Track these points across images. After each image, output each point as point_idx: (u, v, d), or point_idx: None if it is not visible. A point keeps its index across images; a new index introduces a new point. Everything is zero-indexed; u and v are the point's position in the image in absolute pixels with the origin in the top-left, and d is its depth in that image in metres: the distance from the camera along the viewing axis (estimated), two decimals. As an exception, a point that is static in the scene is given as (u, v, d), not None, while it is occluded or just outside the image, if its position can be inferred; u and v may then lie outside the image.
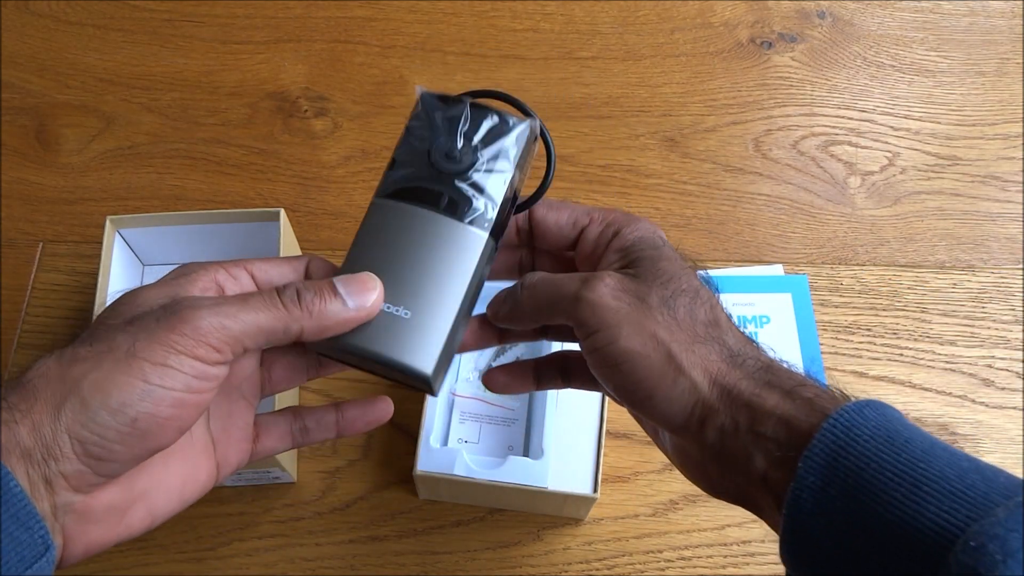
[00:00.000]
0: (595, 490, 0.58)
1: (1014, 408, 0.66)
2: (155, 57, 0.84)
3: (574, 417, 0.61)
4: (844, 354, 0.69)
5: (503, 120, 0.41)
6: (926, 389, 0.67)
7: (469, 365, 0.64)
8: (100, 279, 0.61)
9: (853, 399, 0.35)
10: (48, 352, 0.34)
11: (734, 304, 0.70)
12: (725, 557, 0.61)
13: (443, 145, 0.41)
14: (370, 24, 0.86)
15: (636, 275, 0.39)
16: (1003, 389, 0.67)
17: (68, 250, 0.72)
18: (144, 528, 0.37)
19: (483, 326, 0.44)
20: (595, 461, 0.59)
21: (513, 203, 0.42)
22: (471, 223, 0.40)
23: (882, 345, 0.69)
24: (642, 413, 0.39)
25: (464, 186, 0.40)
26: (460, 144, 0.40)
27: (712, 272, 0.60)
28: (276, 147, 0.80)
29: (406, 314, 0.38)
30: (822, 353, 0.68)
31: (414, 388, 0.40)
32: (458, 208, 0.40)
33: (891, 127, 0.82)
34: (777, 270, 0.72)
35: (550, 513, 0.62)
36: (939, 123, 0.82)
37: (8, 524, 0.30)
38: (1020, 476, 0.32)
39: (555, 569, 0.60)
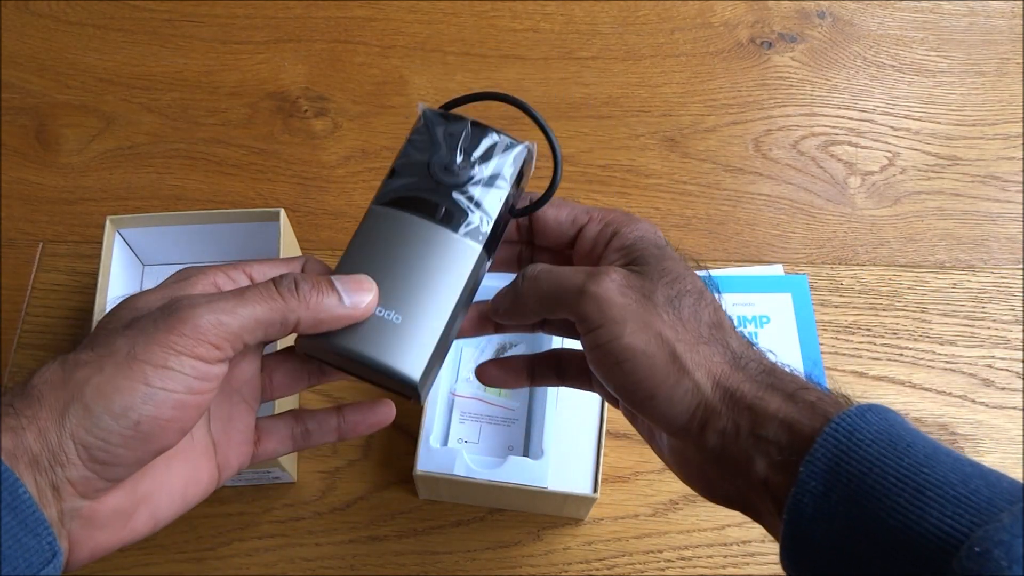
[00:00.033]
0: (595, 490, 0.58)
1: (1014, 408, 0.66)
2: (155, 57, 0.84)
3: (574, 417, 0.61)
4: (844, 354, 0.69)
5: (502, 139, 0.42)
6: (926, 389, 0.67)
7: (469, 365, 0.63)
8: (100, 279, 0.61)
9: (856, 403, 0.35)
10: (51, 356, 0.34)
11: (734, 304, 0.70)
12: (725, 557, 0.61)
13: (443, 158, 0.41)
14: (370, 24, 0.86)
15: (641, 272, 0.38)
16: (1003, 389, 0.67)
17: (68, 250, 0.72)
18: (147, 531, 0.37)
19: (483, 314, 0.43)
20: (595, 461, 0.59)
21: (507, 222, 0.43)
22: (466, 235, 0.40)
23: (882, 345, 0.69)
24: (642, 414, 0.38)
25: (461, 199, 0.40)
26: (460, 159, 0.41)
27: (712, 272, 0.60)
28: (276, 147, 0.80)
29: (397, 319, 0.38)
30: (822, 353, 0.68)
31: (400, 394, 0.40)
32: (454, 219, 0.40)
33: (891, 127, 0.82)
34: (777, 270, 0.72)
35: (550, 513, 0.62)
36: (939, 123, 0.82)
37: (17, 530, 0.31)
38: (1021, 477, 0.32)
39: (555, 569, 0.61)
